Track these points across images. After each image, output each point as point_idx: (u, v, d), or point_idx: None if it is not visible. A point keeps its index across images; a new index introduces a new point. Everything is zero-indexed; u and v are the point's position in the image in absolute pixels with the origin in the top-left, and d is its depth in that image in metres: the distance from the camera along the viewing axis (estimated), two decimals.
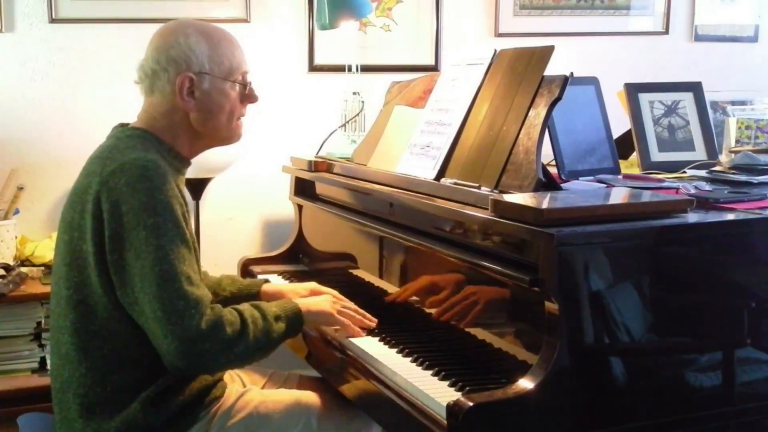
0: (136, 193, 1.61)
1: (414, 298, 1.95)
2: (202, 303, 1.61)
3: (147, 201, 1.61)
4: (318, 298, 1.96)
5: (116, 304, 1.65)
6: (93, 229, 1.64)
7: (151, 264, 1.58)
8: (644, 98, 2.37)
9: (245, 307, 1.73)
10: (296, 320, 1.81)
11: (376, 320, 1.94)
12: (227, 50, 1.81)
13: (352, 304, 1.96)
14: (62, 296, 1.71)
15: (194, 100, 1.78)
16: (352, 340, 1.89)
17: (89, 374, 1.68)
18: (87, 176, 1.70)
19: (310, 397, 1.93)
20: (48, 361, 2.55)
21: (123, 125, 1.83)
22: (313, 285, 2.11)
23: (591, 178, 2.04)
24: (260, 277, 2.49)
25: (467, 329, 1.75)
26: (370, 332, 1.92)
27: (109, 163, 1.67)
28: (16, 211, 2.74)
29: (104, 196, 1.63)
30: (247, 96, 1.86)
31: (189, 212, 1.75)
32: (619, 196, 1.78)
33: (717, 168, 2.19)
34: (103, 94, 2.90)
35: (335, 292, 2.03)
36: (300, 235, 2.66)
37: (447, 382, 1.59)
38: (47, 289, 2.51)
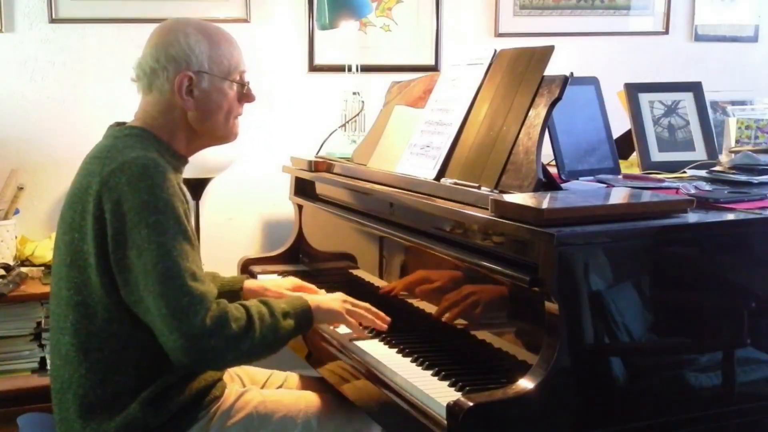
0: (137, 192, 1.61)
1: (407, 293, 1.95)
2: (206, 299, 1.60)
3: (148, 199, 1.61)
4: (328, 296, 1.94)
5: (116, 304, 1.65)
6: (94, 230, 1.64)
7: (154, 261, 1.58)
8: (644, 98, 2.37)
9: (252, 302, 1.72)
10: (305, 317, 1.79)
11: (389, 320, 1.89)
12: (226, 50, 1.82)
13: (363, 304, 1.92)
14: (62, 297, 1.71)
15: (193, 99, 1.78)
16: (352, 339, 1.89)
17: (89, 375, 1.68)
18: (86, 176, 1.70)
19: (310, 397, 1.93)
20: (48, 361, 2.55)
21: (119, 124, 1.82)
22: (293, 279, 2.13)
23: (591, 178, 2.04)
24: (260, 277, 2.50)
25: (467, 329, 1.75)
26: (371, 332, 1.92)
27: (108, 162, 1.67)
28: (16, 211, 2.74)
29: (105, 196, 1.63)
30: (245, 95, 1.86)
31: (190, 210, 1.75)
32: (619, 196, 1.78)
33: (717, 168, 2.19)
34: (103, 94, 2.90)
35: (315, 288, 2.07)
36: (300, 235, 2.66)
37: (447, 382, 1.59)
38: (47, 289, 2.51)
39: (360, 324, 1.90)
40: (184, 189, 1.81)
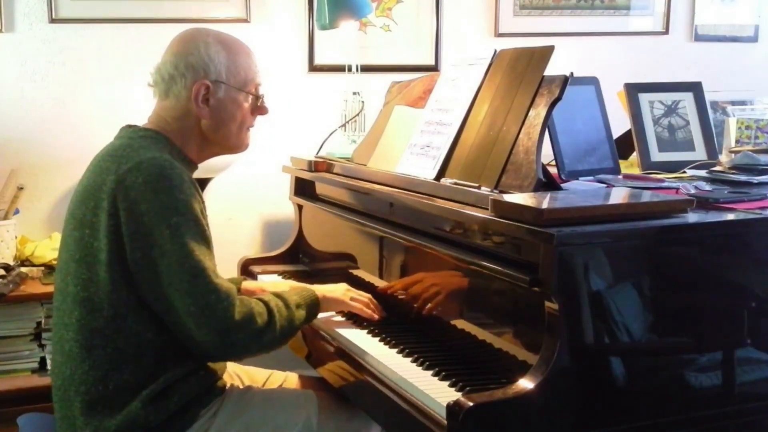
0: (155, 193, 1.64)
1: (404, 292, 1.96)
2: (231, 295, 1.66)
3: (168, 200, 1.64)
4: (333, 286, 2.03)
5: (123, 301, 1.67)
6: (108, 227, 1.65)
7: (179, 261, 1.62)
8: (644, 98, 2.37)
9: (269, 297, 1.79)
10: (314, 307, 1.89)
11: (384, 314, 2.00)
12: (244, 62, 1.86)
13: (366, 294, 2.03)
14: (69, 293, 1.72)
15: (208, 108, 1.82)
16: (352, 339, 1.89)
17: (92, 372, 1.69)
18: (99, 174, 1.71)
19: (310, 397, 1.93)
20: (48, 361, 2.55)
21: (131, 126, 1.84)
22: (292, 283, 2.21)
23: (591, 178, 2.04)
24: (260, 277, 2.50)
25: (467, 329, 1.75)
26: (371, 332, 1.93)
27: (124, 161, 1.69)
28: (16, 211, 2.74)
29: (121, 195, 1.65)
30: (259, 108, 1.92)
31: (206, 208, 1.78)
32: (619, 196, 1.78)
33: (717, 168, 2.19)
34: (103, 94, 2.90)
35: None
36: (300, 235, 2.66)
37: (447, 382, 1.59)
38: (47, 289, 2.52)
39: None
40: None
